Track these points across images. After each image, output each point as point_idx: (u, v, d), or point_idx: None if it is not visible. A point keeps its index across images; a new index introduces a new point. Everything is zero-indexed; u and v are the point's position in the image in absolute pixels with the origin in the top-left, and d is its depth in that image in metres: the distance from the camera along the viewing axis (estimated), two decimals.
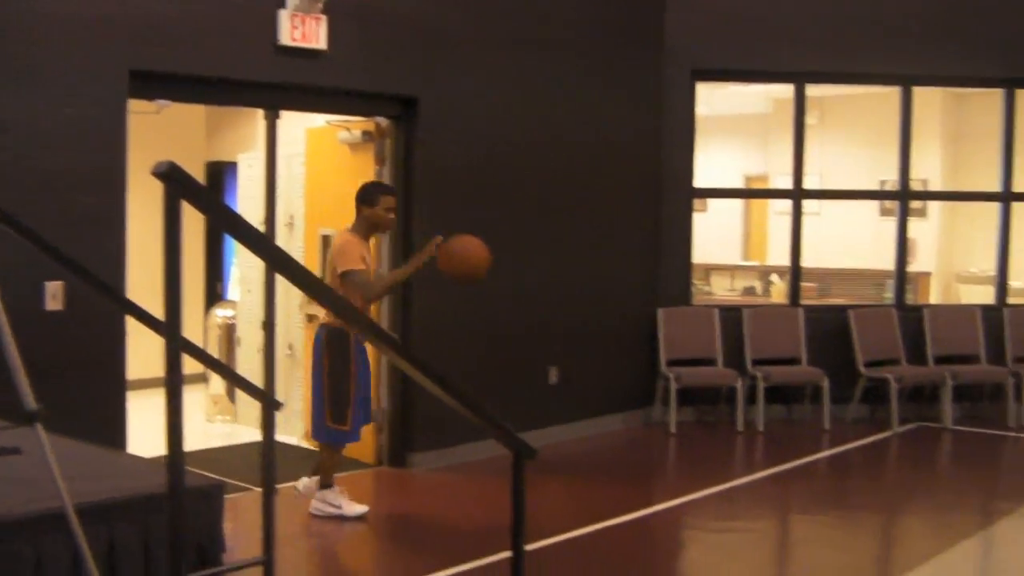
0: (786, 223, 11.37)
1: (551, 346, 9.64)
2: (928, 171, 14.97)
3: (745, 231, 17.58)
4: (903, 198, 11.42)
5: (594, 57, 9.96)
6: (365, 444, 8.77)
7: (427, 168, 8.59)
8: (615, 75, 10.20)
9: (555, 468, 8.70)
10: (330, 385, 7.13)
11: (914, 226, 13.39)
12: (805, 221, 11.23)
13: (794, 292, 11.23)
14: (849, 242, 15.00)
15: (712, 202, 16.55)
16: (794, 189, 11.17)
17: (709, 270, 15.40)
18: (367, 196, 7.19)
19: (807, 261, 11.53)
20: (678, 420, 10.19)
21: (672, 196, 10.76)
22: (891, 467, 9.68)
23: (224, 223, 2.82)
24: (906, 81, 11.25)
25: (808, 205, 11.55)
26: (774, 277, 13.84)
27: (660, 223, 10.73)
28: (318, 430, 7.29)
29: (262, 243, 3.00)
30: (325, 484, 7.34)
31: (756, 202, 17.35)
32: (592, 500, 7.87)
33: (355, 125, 8.83)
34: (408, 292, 8.45)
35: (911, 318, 11.12)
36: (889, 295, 11.80)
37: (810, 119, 12.88)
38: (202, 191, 2.69)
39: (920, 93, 11.62)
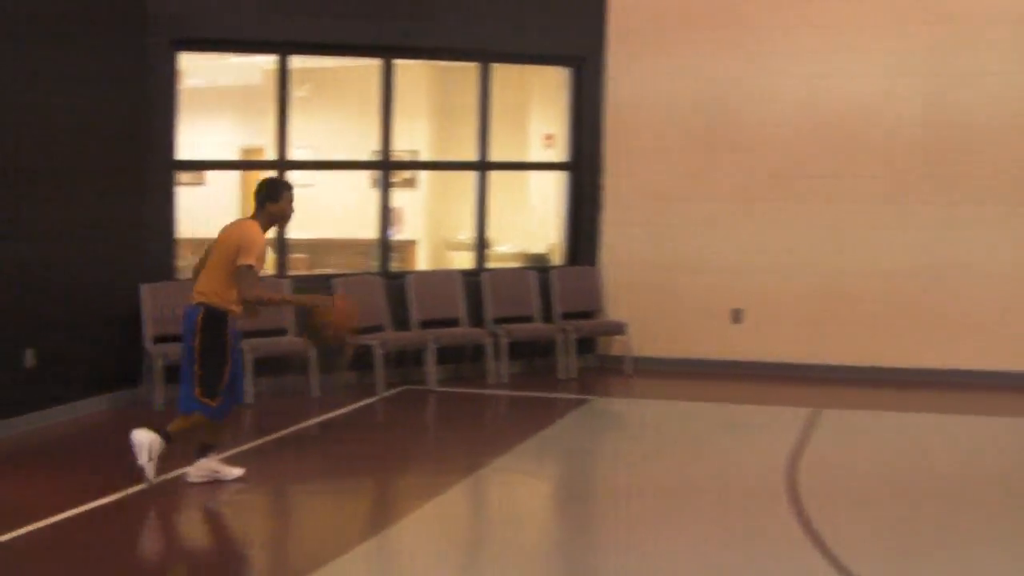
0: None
1: (27, 328, 9.16)
2: (418, 142, 15.43)
3: (242, 204, 17.46)
4: (385, 168, 11.74)
5: (75, 26, 9.54)
6: None
7: None
8: (97, 46, 9.80)
9: (31, 456, 8.33)
10: (203, 362, 7.30)
11: (404, 196, 13.82)
12: (302, 193, 11.25)
13: (281, 263, 11.27)
14: (343, 212, 15.21)
15: (212, 176, 16.34)
16: (279, 160, 11.22)
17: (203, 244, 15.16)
18: (272, 192, 7.53)
19: (300, 232, 11.60)
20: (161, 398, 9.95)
21: (155, 170, 10.51)
22: (377, 431, 9.93)
23: None
24: (386, 53, 11.51)
25: (303, 177, 11.63)
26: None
27: (144, 197, 10.45)
28: (186, 401, 7.40)
29: None
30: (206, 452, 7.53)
31: (253, 175, 17.24)
32: (72, 485, 7.51)
33: None
34: None
35: (395, 285, 11.42)
36: (376, 263, 12.06)
37: (301, 91, 12.96)
38: None
39: (411, 67, 11.95)
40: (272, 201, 7.50)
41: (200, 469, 7.51)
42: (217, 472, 7.54)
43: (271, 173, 11.48)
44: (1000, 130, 11.74)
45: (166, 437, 7.33)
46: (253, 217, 7.52)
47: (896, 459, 8.93)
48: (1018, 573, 6.15)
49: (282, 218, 7.68)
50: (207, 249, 7.64)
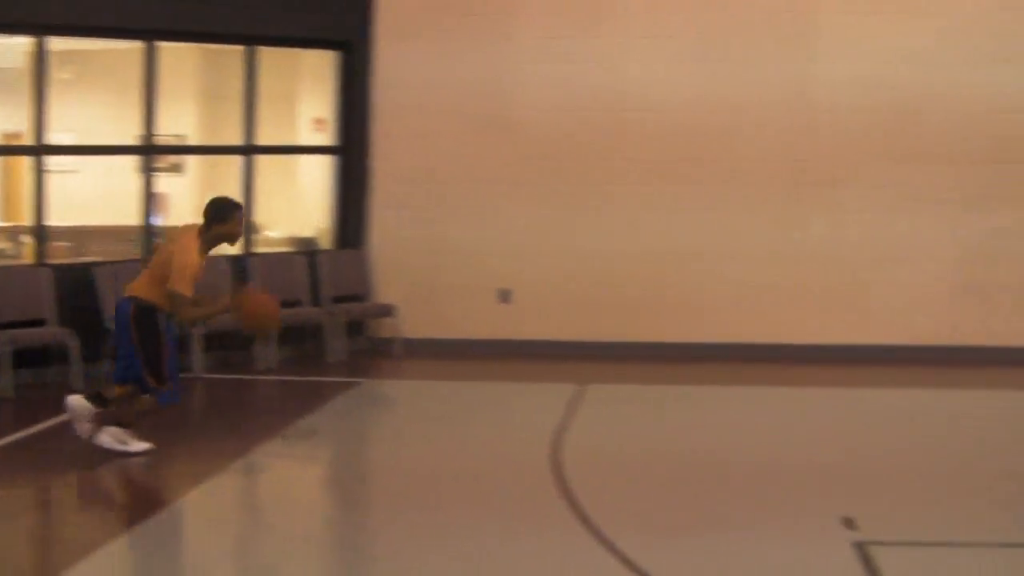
0: (53, 181, 11.09)
1: None
2: (185, 127, 15.18)
3: (5, 191, 16.91)
4: (148, 153, 11.57)
5: None
6: None
7: None
8: None
9: None
10: (144, 354, 7.58)
11: (170, 181, 13.62)
12: (65, 179, 11.08)
13: (40, 252, 10.99)
14: (106, 199, 14.86)
15: None
16: (36, 146, 10.93)
17: None
18: (221, 214, 7.60)
19: (61, 219, 11.34)
20: None
21: None
22: (142, 419, 9.73)
23: None
24: (148, 35, 11.33)
25: (68, 162, 11.41)
26: (24, 237, 13.43)
27: None
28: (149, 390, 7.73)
29: None
30: (122, 423, 7.84)
31: (17, 161, 16.72)
32: None
33: None
34: None
35: None
36: (139, 250, 11.85)
37: (65, 73, 12.64)
38: None
39: (178, 49, 11.76)
40: (220, 222, 7.60)
41: (113, 437, 7.80)
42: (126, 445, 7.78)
43: (30, 158, 11.20)
44: (764, 116, 12.22)
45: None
46: (199, 233, 7.59)
47: (660, 433, 9.20)
48: (775, 539, 6.34)
49: (230, 238, 7.77)
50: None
